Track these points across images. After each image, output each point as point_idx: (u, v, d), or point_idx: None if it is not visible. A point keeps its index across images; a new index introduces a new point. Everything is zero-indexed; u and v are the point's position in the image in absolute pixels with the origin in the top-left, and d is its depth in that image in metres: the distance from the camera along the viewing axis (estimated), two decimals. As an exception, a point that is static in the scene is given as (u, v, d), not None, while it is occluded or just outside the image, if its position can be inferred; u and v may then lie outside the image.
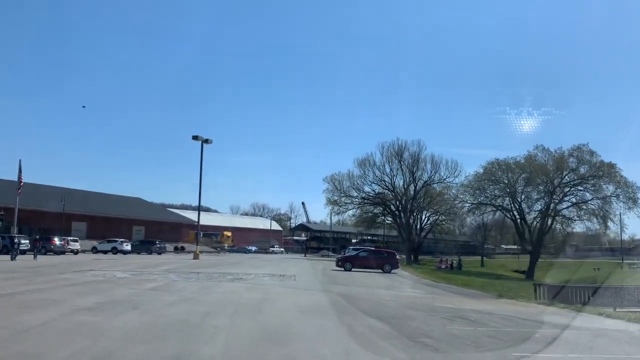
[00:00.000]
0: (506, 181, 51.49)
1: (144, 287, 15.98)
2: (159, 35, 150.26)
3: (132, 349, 6.65)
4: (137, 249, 52.42)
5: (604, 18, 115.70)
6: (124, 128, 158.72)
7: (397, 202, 67.42)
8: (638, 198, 47.89)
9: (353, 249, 48.49)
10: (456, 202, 58.90)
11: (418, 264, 58.87)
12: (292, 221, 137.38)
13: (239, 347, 7.14)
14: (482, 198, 53.42)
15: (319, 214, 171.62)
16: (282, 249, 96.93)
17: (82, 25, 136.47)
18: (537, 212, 52.32)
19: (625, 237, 74.14)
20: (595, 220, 50.46)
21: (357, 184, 67.64)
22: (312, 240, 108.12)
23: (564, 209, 51.31)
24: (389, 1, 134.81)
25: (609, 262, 63.15)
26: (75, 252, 44.43)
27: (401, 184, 67.33)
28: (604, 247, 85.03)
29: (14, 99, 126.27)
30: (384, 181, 67.15)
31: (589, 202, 50.07)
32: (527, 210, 52.39)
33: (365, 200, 68.64)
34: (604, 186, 49.36)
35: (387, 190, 67.88)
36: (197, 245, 48.54)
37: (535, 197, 51.81)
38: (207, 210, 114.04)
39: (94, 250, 50.82)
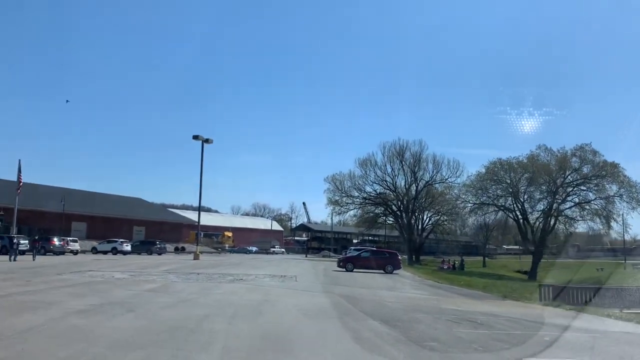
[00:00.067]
0: (509, 181, 51.08)
1: (142, 288, 15.65)
2: (159, 36, 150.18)
3: (123, 356, 6.31)
4: (137, 249, 52.12)
5: (604, 18, 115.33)
6: (124, 128, 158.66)
7: (399, 202, 67.02)
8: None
9: (354, 250, 48.09)
10: (458, 202, 58.50)
11: (420, 265, 58.49)
12: (293, 221, 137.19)
13: (238, 355, 6.79)
14: (484, 198, 53.02)
15: (320, 214, 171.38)
16: (283, 250, 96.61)
17: (82, 25, 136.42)
18: (539, 212, 51.95)
19: (627, 237, 73.66)
20: (598, 220, 50.07)
21: (359, 184, 67.34)
22: (313, 241, 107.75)
23: (566, 209, 50.91)
24: (389, 1, 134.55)
25: (611, 262, 62.71)
26: (75, 253, 44.15)
27: (403, 184, 67.00)
28: (605, 247, 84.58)
29: (14, 99, 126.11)
30: (386, 181, 66.81)
31: (592, 202, 49.67)
32: (529, 210, 52.03)
33: (366, 201, 68.25)
34: (607, 186, 48.96)
35: (388, 190, 67.49)
36: (197, 245, 48.24)
37: (538, 197, 51.44)
38: (208, 210, 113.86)
39: (94, 250, 50.53)
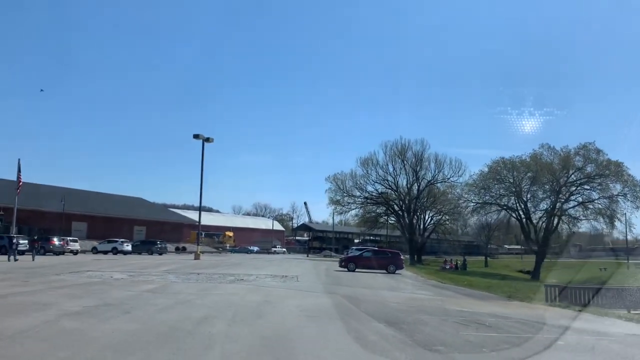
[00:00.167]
0: (512, 180, 50.63)
1: (140, 289, 15.32)
2: (159, 36, 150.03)
3: (115, 361, 5.98)
4: (138, 249, 51.88)
5: (604, 18, 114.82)
6: (125, 128, 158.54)
7: (401, 202, 66.61)
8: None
9: (356, 249, 47.76)
10: (460, 201, 58.08)
11: (422, 265, 58.12)
12: (294, 221, 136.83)
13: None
14: (487, 197, 52.58)
15: (321, 214, 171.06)
16: (284, 249, 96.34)
17: (82, 25, 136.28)
18: (542, 212, 51.50)
19: (629, 237, 73.23)
20: (601, 219, 49.62)
21: (360, 183, 66.90)
22: (314, 241, 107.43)
23: (570, 208, 50.47)
24: (389, 1, 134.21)
25: (613, 262, 62.31)
26: (75, 253, 43.88)
27: (404, 183, 66.57)
28: (607, 247, 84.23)
29: (14, 99, 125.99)
30: (387, 181, 66.38)
31: (596, 201, 49.23)
32: (532, 209, 51.57)
33: (368, 200, 67.84)
34: (610, 185, 48.51)
35: (390, 190, 67.08)
36: (198, 245, 47.92)
37: (541, 196, 50.98)
38: (209, 210, 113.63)
39: (94, 250, 50.29)
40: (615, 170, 47.47)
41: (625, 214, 49.08)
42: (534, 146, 50.67)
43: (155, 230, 65.93)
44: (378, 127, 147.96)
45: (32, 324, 8.22)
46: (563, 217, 50.43)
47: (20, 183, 42.40)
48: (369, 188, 67.24)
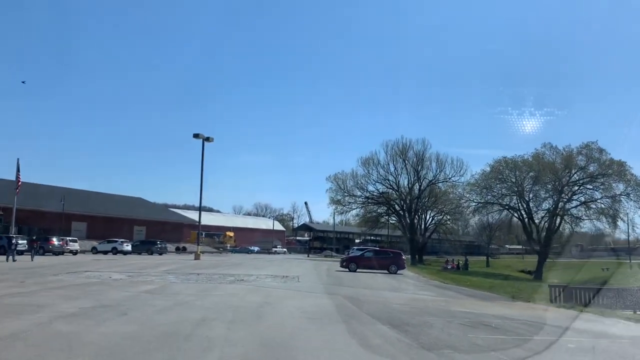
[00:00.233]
0: (514, 180, 50.31)
1: (139, 289, 15.05)
2: (159, 36, 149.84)
3: (108, 367, 5.70)
4: (138, 249, 51.61)
5: (604, 18, 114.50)
6: (125, 128, 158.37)
7: (402, 202, 66.29)
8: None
9: (357, 249, 47.49)
10: (462, 201, 57.77)
11: (423, 265, 57.81)
12: (294, 221, 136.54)
13: (235, 364, 6.17)
14: (489, 197, 52.28)
15: (322, 214, 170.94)
16: (285, 249, 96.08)
17: (82, 26, 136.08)
18: (545, 212, 51.18)
19: (630, 236, 72.87)
20: (604, 219, 49.28)
21: (361, 183, 66.56)
22: (315, 241, 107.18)
23: (572, 207, 50.14)
24: (389, 1, 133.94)
25: (615, 262, 61.95)
26: (75, 253, 43.63)
27: (405, 183, 66.21)
28: (608, 247, 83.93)
29: (14, 99, 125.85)
30: (388, 180, 66.05)
31: (598, 200, 48.91)
32: (534, 209, 51.25)
33: (369, 200, 67.51)
34: (613, 185, 48.18)
35: (391, 190, 66.76)
36: (198, 245, 47.65)
37: (544, 195, 50.66)
38: (210, 210, 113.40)
39: (94, 250, 50.05)
40: (618, 170, 47.16)
41: (627, 213, 48.84)
42: (534, 146, 50.52)
43: (156, 230, 65.65)
44: (378, 127, 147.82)
45: (24, 327, 7.95)
46: (565, 217, 50.12)
47: (20, 183, 42.14)
48: (370, 188, 67.00)
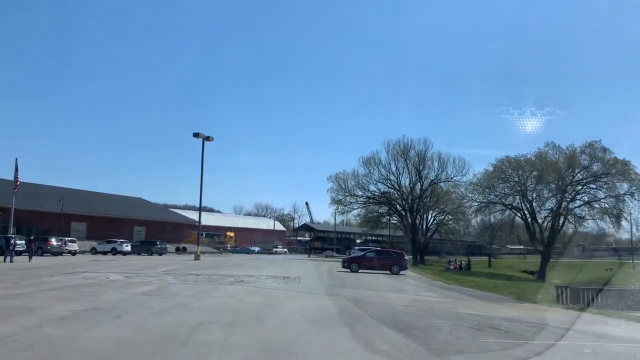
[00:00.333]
0: (517, 179, 49.88)
1: (136, 291, 14.65)
2: (159, 36, 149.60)
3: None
4: (138, 249, 51.20)
5: (604, 17, 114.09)
6: (124, 128, 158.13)
7: (403, 202, 65.81)
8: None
9: (359, 249, 47.07)
10: (464, 200, 57.31)
11: (425, 265, 57.40)
12: (295, 221, 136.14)
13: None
14: (491, 197, 51.86)
15: (323, 214, 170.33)
16: (286, 250, 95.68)
17: (83, 26, 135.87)
18: (548, 211, 50.75)
19: (629, 236, 72.41)
20: (608, 219, 48.86)
21: (362, 183, 66.08)
22: (315, 241, 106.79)
23: (576, 207, 49.70)
24: (389, 1, 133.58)
25: (618, 262, 61.51)
26: (73, 253, 43.23)
27: (407, 182, 65.73)
28: (610, 246, 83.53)
29: (14, 99, 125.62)
30: (390, 180, 65.59)
31: (602, 200, 48.47)
32: (537, 209, 50.81)
33: (370, 200, 67.04)
34: (617, 184, 47.75)
35: (392, 190, 66.29)
36: (198, 245, 47.23)
37: (547, 195, 50.24)
38: (210, 210, 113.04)
39: (93, 251, 49.66)
40: (622, 169, 46.74)
41: (631, 213, 48.41)
42: (535, 146, 50.23)
43: (156, 231, 65.26)
44: (378, 127, 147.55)
45: (11, 331, 7.54)
46: (569, 217, 49.68)
47: (18, 183, 41.75)
48: (372, 187, 66.53)
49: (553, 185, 48.93)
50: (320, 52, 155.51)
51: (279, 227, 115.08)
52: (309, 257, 74.48)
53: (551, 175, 48.13)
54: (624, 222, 49.76)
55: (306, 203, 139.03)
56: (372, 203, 67.44)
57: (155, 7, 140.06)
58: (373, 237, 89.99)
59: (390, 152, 64.47)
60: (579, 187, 48.95)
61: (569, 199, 48.99)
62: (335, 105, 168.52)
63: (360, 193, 66.45)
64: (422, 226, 67.83)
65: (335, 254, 79.87)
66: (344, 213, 71.98)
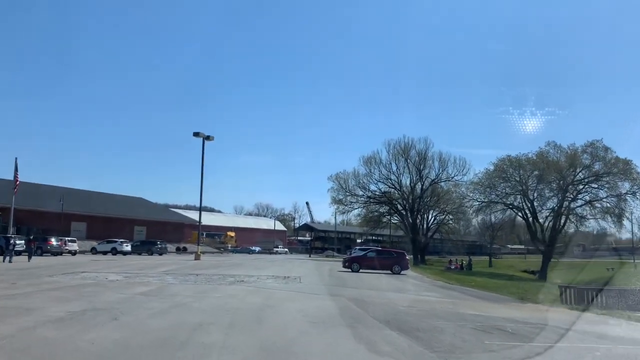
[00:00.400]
0: (518, 178, 49.66)
1: (134, 291, 14.48)
2: (159, 36, 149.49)
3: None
4: (138, 249, 51.07)
5: (604, 17, 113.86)
6: (125, 128, 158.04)
7: (404, 201, 65.63)
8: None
9: (360, 249, 46.91)
10: (465, 200, 57.10)
11: (425, 265, 57.22)
12: (296, 221, 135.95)
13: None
14: (492, 196, 51.64)
15: (323, 214, 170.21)
16: (286, 250, 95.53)
17: (83, 26, 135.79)
18: (549, 211, 50.53)
19: (631, 236, 72.30)
20: (609, 218, 48.66)
21: (363, 182, 65.91)
22: (316, 241, 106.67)
23: (577, 207, 49.49)
24: (389, 1, 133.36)
25: (619, 262, 61.34)
26: (73, 253, 43.08)
27: (408, 182, 65.56)
28: (610, 246, 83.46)
29: (14, 99, 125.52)
30: (390, 179, 65.42)
31: (604, 199, 48.27)
32: (539, 208, 50.59)
33: (371, 199, 66.86)
34: (619, 183, 47.53)
35: (393, 189, 66.13)
36: (198, 245, 47.07)
37: (548, 194, 50.02)
38: (211, 210, 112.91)
39: (93, 251, 49.53)
40: (624, 168, 46.52)
41: (632, 212, 48.21)
42: (536, 146, 49.99)
43: (156, 231, 65.12)
44: (378, 127, 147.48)
45: (5, 333, 7.36)
46: (570, 216, 49.47)
47: (17, 182, 41.60)
48: (372, 187, 66.36)
49: (554, 185, 48.72)
50: (320, 52, 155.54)
51: (280, 227, 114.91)
52: (309, 257, 74.32)
53: (552, 175, 47.92)
54: (625, 222, 49.59)
55: (307, 203, 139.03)
56: (373, 203, 67.27)
57: (155, 7, 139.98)
58: (373, 237, 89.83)
59: (391, 151, 64.39)
60: (581, 187, 48.72)
61: (570, 199, 48.78)
62: (335, 105, 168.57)
63: (360, 193, 66.36)
64: (423, 226, 67.68)
65: (335, 254, 79.69)
66: (344, 213, 71.94)
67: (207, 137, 44.08)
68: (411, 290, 20.25)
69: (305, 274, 26.73)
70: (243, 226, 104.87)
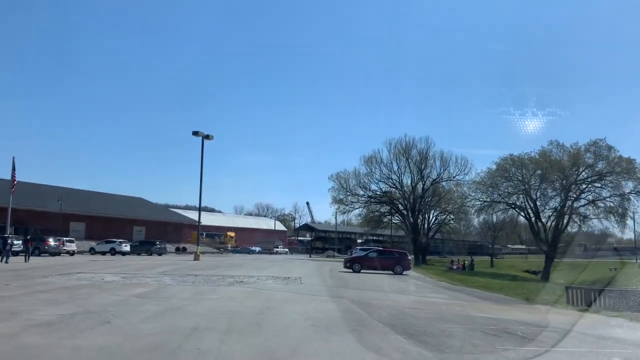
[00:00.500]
0: (520, 178, 49.15)
1: (130, 292, 14.02)
2: (159, 36, 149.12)
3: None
4: (137, 249, 50.62)
5: (605, 17, 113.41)
6: (125, 128, 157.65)
7: (405, 201, 65.12)
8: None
9: (361, 249, 46.42)
10: (467, 200, 56.59)
11: (427, 265, 56.76)
12: (296, 221, 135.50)
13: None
14: (495, 196, 51.13)
15: (324, 214, 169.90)
16: (287, 250, 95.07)
17: (83, 26, 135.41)
18: (552, 210, 50.00)
19: (631, 235, 71.88)
20: (612, 218, 48.15)
21: (364, 182, 65.40)
22: (316, 241, 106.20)
23: (580, 206, 48.98)
24: (389, 1, 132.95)
25: (621, 261, 60.89)
26: (72, 254, 42.63)
27: (409, 182, 65.04)
28: (611, 246, 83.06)
29: (14, 99, 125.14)
30: (391, 179, 64.91)
31: (607, 199, 47.76)
32: (541, 208, 50.06)
33: (371, 199, 66.33)
34: (622, 183, 47.02)
35: (394, 189, 65.62)
36: (197, 245, 46.58)
37: (551, 194, 49.49)
38: (211, 210, 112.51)
39: (92, 251, 49.08)
40: (627, 167, 46.02)
41: (635, 212, 47.77)
42: (537, 146, 49.54)
43: (156, 231, 64.67)
44: (378, 127, 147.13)
45: (-13, 339, 6.91)
46: (573, 216, 48.96)
47: (15, 182, 41.13)
48: (373, 187, 65.85)
49: (557, 184, 48.19)
50: (320, 52, 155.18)
51: (280, 227, 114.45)
52: (310, 257, 73.83)
53: (555, 174, 47.41)
54: (628, 221, 49.10)
55: (307, 203, 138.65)
56: (374, 202, 66.76)
57: (155, 7, 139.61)
58: (374, 237, 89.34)
59: (392, 151, 63.90)
60: (584, 186, 48.21)
61: (573, 198, 48.26)
62: (335, 105, 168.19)
63: (361, 192, 65.86)
64: (424, 226, 67.18)
65: (336, 254, 79.21)
66: (345, 213, 71.40)
67: (207, 136, 43.61)
68: (415, 291, 19.78)
69: (306, 274, 26.25)
70: (243, 226, 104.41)
